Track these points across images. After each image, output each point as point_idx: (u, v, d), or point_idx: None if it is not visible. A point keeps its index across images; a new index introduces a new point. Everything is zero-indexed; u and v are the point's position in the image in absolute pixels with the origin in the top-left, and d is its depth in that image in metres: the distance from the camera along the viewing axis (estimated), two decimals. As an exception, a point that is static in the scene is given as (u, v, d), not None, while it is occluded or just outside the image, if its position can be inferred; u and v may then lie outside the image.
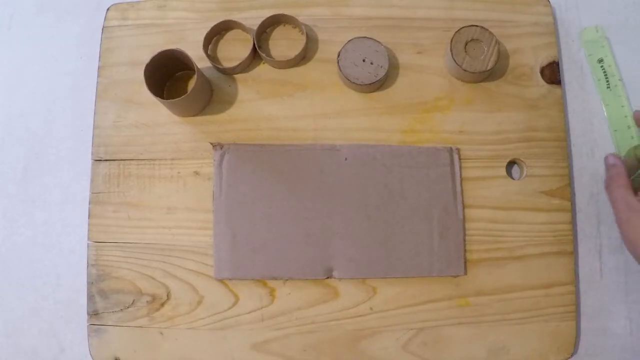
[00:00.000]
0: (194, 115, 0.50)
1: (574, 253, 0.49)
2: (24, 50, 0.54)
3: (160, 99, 0.45)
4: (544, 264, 0.48)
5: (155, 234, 0.48)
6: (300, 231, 0.47)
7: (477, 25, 0.49)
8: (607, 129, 0.51)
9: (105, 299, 0.47)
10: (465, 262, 0.47)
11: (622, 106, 0.49)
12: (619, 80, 0.49)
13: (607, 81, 0.50)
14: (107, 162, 0.49)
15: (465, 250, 0.47)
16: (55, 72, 0.53)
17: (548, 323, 0.47)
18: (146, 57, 0.45)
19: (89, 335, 0.47)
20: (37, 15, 0.55)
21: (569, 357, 0.47)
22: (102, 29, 0.52)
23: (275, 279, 0.47)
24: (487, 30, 0.49)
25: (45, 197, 0.51)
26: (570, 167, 0.50)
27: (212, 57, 0.51)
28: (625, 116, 0.49)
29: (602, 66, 0.50)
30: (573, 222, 0.49)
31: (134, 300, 0.47)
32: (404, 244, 0.47)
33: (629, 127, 0.49)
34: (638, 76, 0.52)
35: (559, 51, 0.53)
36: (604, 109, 0.50)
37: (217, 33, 0.52)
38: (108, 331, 0.47)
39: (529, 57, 0.51)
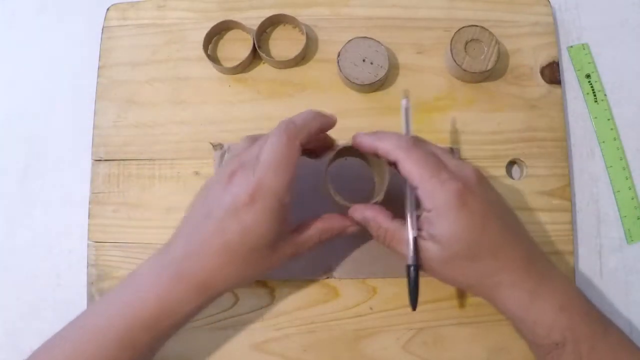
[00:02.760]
0: None
1: (574, 253, 0.48)
2: (25, 50, 0.54)
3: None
4: (544, 264, 0.48)
5: (155, 234, 0.48)
6: (300, 231, 0.47)
7: (477, 25, 0.49)
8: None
9: (105, 299, 0.47)
10: (465, 262, 0.47)
11: (608, 119, 0.51)
12: (605, 95, 0.52)
13: (595, 95, 0.52)
14: (107, 162, 0.49)
15: (465, 250, 0.47)
16: (55, 72, 0.54)
17: (548, 323, 0.47)
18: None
19: (89, 335, 0.47)
20: (37, 15, 0.55)
21: (569, 357, 0.47)
22: (102, 29, 0.52)
23: (275, 279, 0.47)
24: (487, 30, 0.49)
25: (45, 197, 0.51)
26: (570, 167, 0.50)
27: (212, 57, 0.51)
28: (611, 129, 0.51)
29: (589, 81, 0.52)
30: (573, 222, 0.49)
31: (134, 300, 0.47)
32: (404, 244, 0.47)
33: (614, 139, 0.51)
34: (638, 76, 0.52)
35: (559, 51, 0.53)
36: (592, 122, 0.51)
37: (217, 33, 0.52)
38: (108, 331, 0.47)
39: (529, 57, 0.51)
